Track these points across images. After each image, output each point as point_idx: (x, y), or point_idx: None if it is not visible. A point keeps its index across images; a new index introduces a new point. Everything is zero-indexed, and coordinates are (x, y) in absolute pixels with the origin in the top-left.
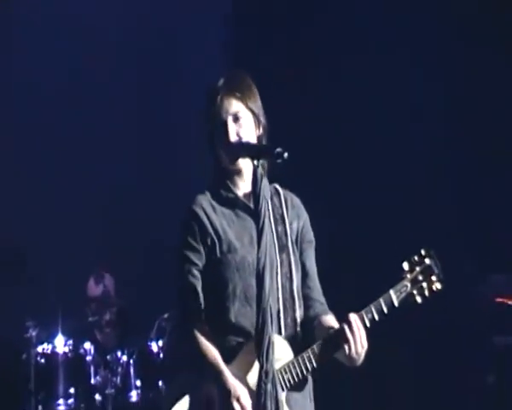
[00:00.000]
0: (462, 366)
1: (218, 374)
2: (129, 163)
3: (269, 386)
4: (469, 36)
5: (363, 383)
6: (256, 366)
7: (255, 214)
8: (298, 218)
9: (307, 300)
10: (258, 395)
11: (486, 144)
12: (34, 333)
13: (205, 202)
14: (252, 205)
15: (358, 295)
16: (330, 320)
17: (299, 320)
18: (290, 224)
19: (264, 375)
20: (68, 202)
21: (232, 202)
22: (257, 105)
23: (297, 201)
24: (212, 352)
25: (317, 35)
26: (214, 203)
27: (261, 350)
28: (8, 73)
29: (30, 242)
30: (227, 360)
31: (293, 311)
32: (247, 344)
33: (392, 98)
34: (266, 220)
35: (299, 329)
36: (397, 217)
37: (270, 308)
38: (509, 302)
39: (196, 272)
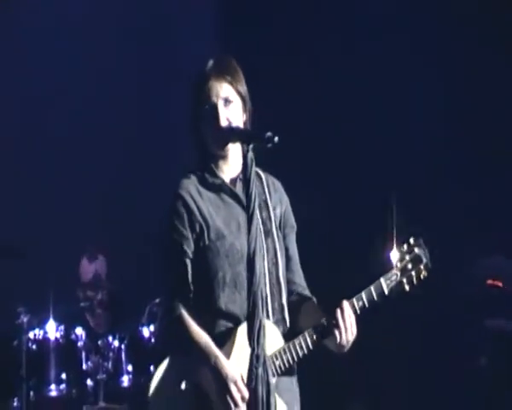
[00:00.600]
0: (454, 350)
1: (214, 359)
2: (125, 150)
3: (260, 370)
4: (469, 36)
5: (354, 369)
6: (247, 350)
7: (246, 199)
8: (280, 203)
9: (290, 284)
10: (249, 379)
11: (486, 143)
12: (25, 319)
13: (191, 186)
14: (237, 190)
15: (349, 282)
16: (314, 306)
17: (285, 305)
18: (274, 209)
19: (255, 359)
20: (61, 189)
21: (218, 187)
22: (244, 89)
23: (278, 185)
24: (205, 337)
25: (316, 32)
26: (200, 188)
27: (252, 334)
28: (6, 72)
29: (22, 229)
30: (218, 346)
31: (280, 296)
32: (237, 329)
33: (391, 97)
34: (256, 205)
35: (286, 314)
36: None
37: (261, 292)
38: (500, 285)
39: (185, 259)
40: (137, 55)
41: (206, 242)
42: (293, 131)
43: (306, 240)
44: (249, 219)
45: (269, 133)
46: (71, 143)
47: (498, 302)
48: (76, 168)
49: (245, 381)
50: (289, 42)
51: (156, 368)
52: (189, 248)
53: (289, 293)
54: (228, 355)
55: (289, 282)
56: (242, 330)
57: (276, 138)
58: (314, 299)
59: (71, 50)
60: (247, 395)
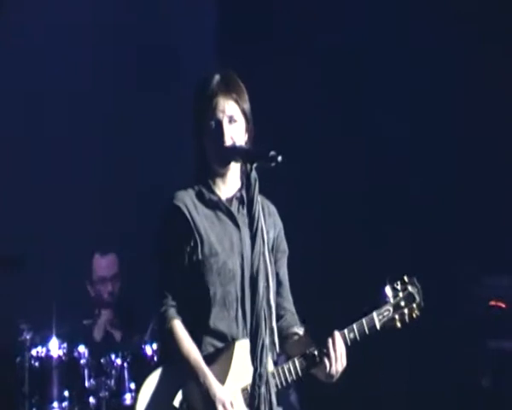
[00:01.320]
0: (457, 370)
1: (202, 377)
2: (127, 155)
3: (263, 389)
4: (471, 36)
5: (356, 385)
6: (232, 371)
7: (249, 218)
8: (274, 226)
9: (279, 309)
10: (251, 398)
11: (495, 159)
12: (28, 336)
13: (187, 198)
14: (233, 209)
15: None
16: (303, 334)
17: (275, 329)
18: (267, 232)
19: (258, 378)
20: (64, 196)
21: (214, 204)
22: (248, 109)
23: (273, 209)
24: (194, 354)
25: (315, 31)
26: (196, 202)
27: (255, 353)
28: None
29: (26, 244)
30: (207, 362)
31: (270, 320)
32: (225, 349)
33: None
34: (259, 225)
35: (275, 338)
36: (392, 223)
37: (264, 312)
38: (502, 305)
39: (175, 270)
40: (136, 57)
41: (200, 256)
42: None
43: (301, 267)
44: (253, 237)
45: (272, 152)
46: (70, 149)
47: (501, 323)
48: (77, 174)
49: (235, 401)
50: (289, 52)
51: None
52: (181, 261)
53: (278, 318)
54: (225, 372)
55: (279, 306)
56: (240, 347)
57: (280, 158)
58: (302, 326)
59: (68, 51)
60: None
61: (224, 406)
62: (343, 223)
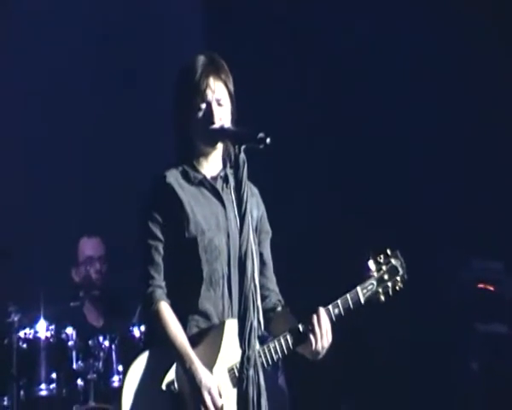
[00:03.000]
0: (445, 354)
1: (189, 363)
2: (115, 142)
3: (251, 372)
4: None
5: (344, 370)
6: (222, 352)
7: (238, 200)
8: (257, 207)
9: (264, 289)
10: (239, 381)
11: (480, 146)
12: (16, 318)
13: (172, 178)
14: (218, 187)
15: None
16: (287, 313)
17: (260, 308)
18: (251, 212)
19: (246, 361)
20: (48, 182)
21: (199, 182)
22: (233, 91)
23: (255, 190)
24: (181, 338)
25: (314, 29)
26: (181, 181)
27: (243, 336)
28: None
29: (13, 230)
30: (189, 342)
31: (255, 298)
32: (209, 330)
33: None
34: (248, 207)
35: (261, 317)
36: (379, 206)
37: (252, 294)
38: (491, 288)
39: (161, 249)
40: (124, 52)
41: (186, 235)
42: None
43: (285, 246)
44: (241, 219)
45: (261, 134)
46: (55, 137)
47: (490, 306)
48: (62, 163)
49: (222, 382)
50: (276, 41)
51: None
52: (166, 237)
53: (263, 298)
54: (215, 353)
55: (263, 287)
56: (229, 327)
57: (269, 139)
58: (286, 306)
59: (55, 49)
60: (219, 403)
61: (209, 392)
62: (328, 203)
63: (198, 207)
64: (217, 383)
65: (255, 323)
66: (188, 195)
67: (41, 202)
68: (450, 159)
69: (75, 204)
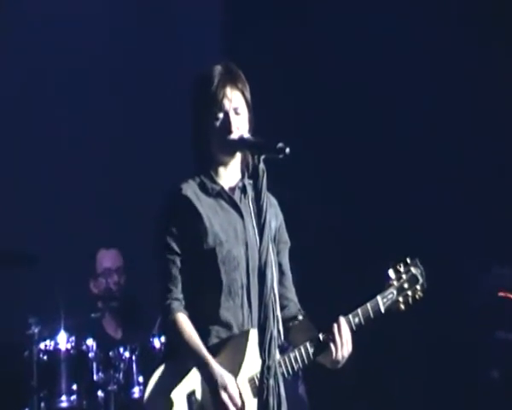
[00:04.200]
0: (466, 361)
1: (204, 363)
2: (134, 154)
3: (271, 381)
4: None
5: (363, 376)
6: (243, 362)
7: (258, 210)
8: (276, 217)
9: (283, 299)
10: (259, 391)
11: (499, 149)
12: (36, 330)
13: (189, 190)
14: (236, 198)
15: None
16: (307, 323)
17: (280, 318)
18: (269, 222)
19: (266, 370)
20: (71, 200)
21: (217, 194)
22: (250, 100)
23: (274, 200)
24: (196, 341)
25: (316, 30)
26: (199, 193)
27: (263, 345)
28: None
29: (34, 239)
30: (209, 352)
31: (274, 307)
32: (232, 339)
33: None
34: (267, 216)
35: (280, 326)
36: (399, 210)
37: (272, 304)
38: (511, 297)
39: (178, 262)
40: (139, 57)
41: (204, 246)
42: (293, 126)
43: (304, 255)
44: (261, 229)
45: (280, 144)
46: (79, 149)
47: (510, 314)
48: (80, 172)
49: (243, 391)
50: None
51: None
52: (183, 251)
53: (282, 308)
54: (239, 362)
55: (282, 297)
56: (237, 341)
57: (288, 149)
58: (305, 315)
59: (70, 51)
60: (238, 401)
61: (226, 390)
62: (347, 212)
63: (216, 218)
64: (234, 381)
65: (275, 332)
66: (205, 206)
67: (59, 215)
68: (468, 165)
69: (93, 216)
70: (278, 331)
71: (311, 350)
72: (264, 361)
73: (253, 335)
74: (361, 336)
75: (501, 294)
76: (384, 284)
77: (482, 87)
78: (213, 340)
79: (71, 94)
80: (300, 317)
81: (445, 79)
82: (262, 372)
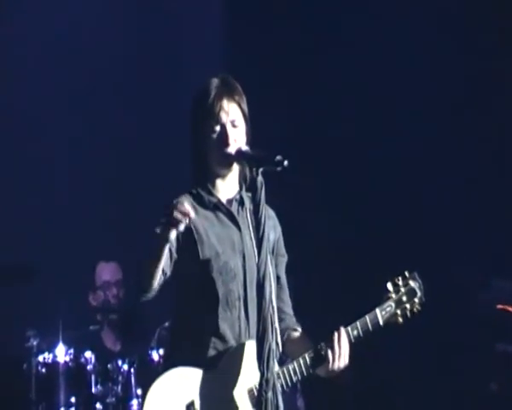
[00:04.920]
0: (465, 373)
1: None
2: (135, 164)
3: (269, 394)
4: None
5: (361, 393)
6: (241, 373)
7: (256, 223)
8: (274, 229)
9: (279, 312)
10: (257, 403)
11: (491, 148)
12: (35, 343)
13: (186, 202)
14: (233, 210)
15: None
16: (303, 336)
17: (278, 330)
18: (268, 235)
19: (264, 383)
20: (71, 213)
21: (213, 206)
22: (247, 112)
23: (272, 212)
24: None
25: (317, 30)
26: (196, 205)
27: (262, 358)
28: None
29: (33, 252)
30: (207, 364)
31: (273, 319)
32: (230, 351)
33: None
34: (266, 229)
35: (279, 338)
36: (398, 223)
37: (271, 317)
38: (510, 309)
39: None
40: (137, 44)
41: (200, 256)
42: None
43: (302, 269)
44: (259, 242)
45: (279, 157)
46: (80, 161)
47: (509, 327)
48: (79, 184)
49: (242, 403)
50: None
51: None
52: (181, 263)
53: (279, 321)
54: (222, 377)
55: (279, 310)
56: (249, 348)
57: (286, 162)
58: (300, 328)
59: (72, 56)
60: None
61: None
62: (345, 225)
63: (213, 230)
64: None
65: (273, 345)
66: (202, 218)
67: (58, 227)
68: (469, 178)
69: (92, 229)
70: (277, 343)
71: (309, 362)
72: (262, 374)
73: (251, 346)
74: (360, 349)
75: (499, 307)
76: (382, 297)
77: (482, 89)
78: (211, 352)
79: (74, 106)
80: (296, 331)
81: (445, 82)
82: (260, 385)
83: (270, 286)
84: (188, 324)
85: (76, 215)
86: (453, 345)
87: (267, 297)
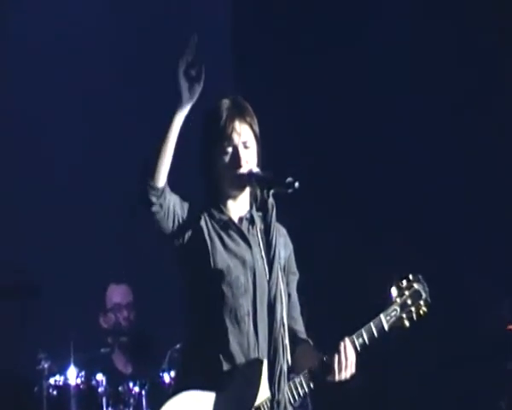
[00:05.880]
0: (476, 391)
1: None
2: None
3: None
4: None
5: (371, 405)
6: (252, 391)
7: (267, 244)
8: (285, 247)
9: (290, 330)
10: None
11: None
12: (46, 365)
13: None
14: (243, 228)
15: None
16: (310, 348)
17: (288, 346)
18: (279, 254)
19: (276, 405)
20: (83, 234)
21: (225, 224)
22: (258, 134)
23: (283, 230)
24: None
25: (317, 33)
26: (208, 220)
27: (273, 380)
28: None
29: (42, 274)
30: (217, 384)
31: (284, 338)
32: (239, 369)
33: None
34: (277, 250)
35: (288, 354)
36: (411, 241)
37: (282, 338)
38: None
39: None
40: (137, 41)
41: (212, 266)
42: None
43: (309, 280)
44: (270, 263)
45: (289, 179)
46: (86, 180)
47: None
48: (91, 207)
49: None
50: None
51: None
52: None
53: (289, 338)
54: (232, 394)
55: (289, 328)
56: (244, 371)
57: (297, 184)
58: (310, 341)
59: (72, 56)
60: None
61: None
62: (351, 237)
63: (224, 246)
64: None
65: (285, 367)
66: (214, 233)
67: (69, 249)
68: (482, 197)
69: (104, 251)
70: (287, 361)
71: (316, 374)
72: (273, 396)
73: (259, 364)
74: (369, 363)
75: (510, 327)
76: (387, 302)
77: (482, 89)
78: (220, 371)
79: (75, 128)
80: (306, 343)
81: (445, 82)
82: (271, 407)
83: (282, 307)
84: (198, 341)
85: (89, 237)
86: (464, 362)
87: (278, 319)
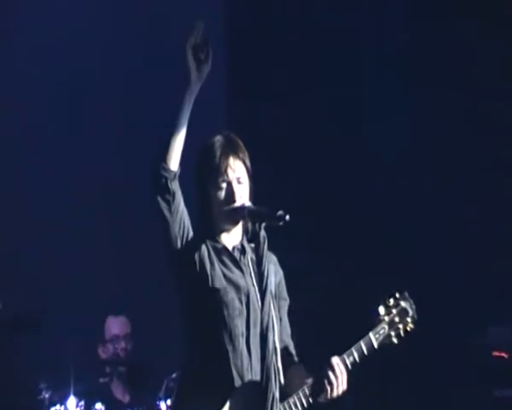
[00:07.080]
0: None
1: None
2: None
3: None
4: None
5: None
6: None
7: (259, 275)
8: (276, 274)
9: (281, 353)
10: None
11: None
12: (47, 395)
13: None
14: (236, 256)
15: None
16: (301, 369)
17: (281, 369)
18: (270, 284)
19: None
20: (82, 267)
21: (219, 251)
22: (251, 169)
23: (273, 257)
24: None
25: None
26: (208, 245)
27: (265, 406)
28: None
29: (42, 305)
30: (216, 400)
31: (276, 362)
32: (234, 394)
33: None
34: (269, 281)
35: (281, 377)
36: (396, 265)
37: (274, 365)
38: (504, 356)
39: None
40: (134, 46)
41: (210, 285)
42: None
43: (296, 298)
44: (262, 294)
45: (280, 212)
46: (85, 206)
47: (506, 372)
48: (96, 240)
49: None
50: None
51: None
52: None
53: (281, 361)
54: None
55: (281, 350)
56: (238, 397)
57: (288, 217)
58: (300, 363)
59: (72, 56)
60: None
61: None
62: (342, 262)
63: (218, 270)
64: None
65: (277, 394)
66: (213, 256)
67: (68, 282)
68: (466, 224)
69: (103, 283)
70: (280, 382)
71: (309, 393)
72: None
73: (255, 386)
74: (361, 389)
75: (495, 353)
76: (375, 321)
77: (483, 92)
78: (216, 393)
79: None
80: (296, 364)
81: (444, 86)
82: None
83: (273, 335)
84: (197, 359)
85: (88, 269)
86: (451, 390)
87: (270, 348)
